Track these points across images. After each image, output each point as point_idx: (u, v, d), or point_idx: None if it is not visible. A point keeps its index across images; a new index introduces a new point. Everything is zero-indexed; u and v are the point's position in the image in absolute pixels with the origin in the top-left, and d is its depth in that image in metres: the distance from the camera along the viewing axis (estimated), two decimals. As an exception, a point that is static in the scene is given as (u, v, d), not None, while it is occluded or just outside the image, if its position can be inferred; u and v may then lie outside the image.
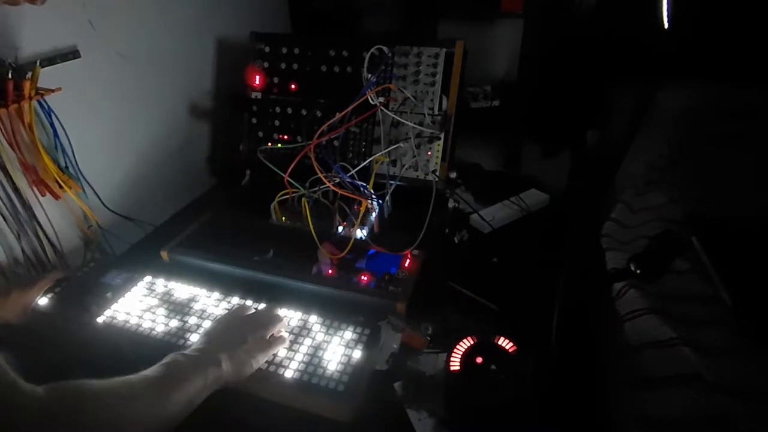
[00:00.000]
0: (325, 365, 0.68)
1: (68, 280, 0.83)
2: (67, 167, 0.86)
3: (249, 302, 0.79)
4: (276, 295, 0.79)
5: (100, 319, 0.77)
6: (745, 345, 0.65)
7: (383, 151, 0.99)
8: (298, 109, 1.07)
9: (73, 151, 0.87)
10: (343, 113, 0.98)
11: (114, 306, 0.79)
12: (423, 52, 1.00)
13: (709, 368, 0.62)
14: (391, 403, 0.65)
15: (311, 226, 0.85)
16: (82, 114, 0.88)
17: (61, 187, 0.84)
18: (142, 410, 0.53)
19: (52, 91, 0.80)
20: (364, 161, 0.99)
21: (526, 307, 0.78)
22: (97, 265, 0.89)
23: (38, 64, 0.77)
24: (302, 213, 0.88)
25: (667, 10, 1.03)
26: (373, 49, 0.99)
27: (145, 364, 0.59)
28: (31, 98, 0.77)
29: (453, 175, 1.06)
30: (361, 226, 0.91)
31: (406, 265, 0.84)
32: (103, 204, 0.95)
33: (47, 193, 0.83)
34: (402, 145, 1.00)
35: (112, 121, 0.96)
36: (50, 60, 0.80)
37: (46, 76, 0.79)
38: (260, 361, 0.67)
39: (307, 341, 0.71)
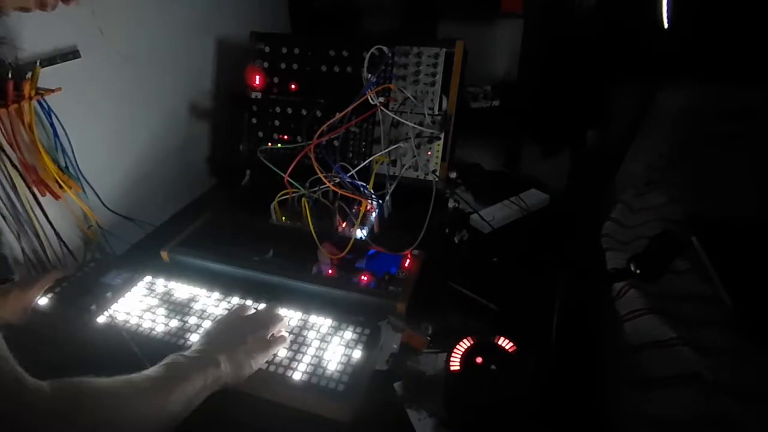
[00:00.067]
0: (325, 365, 0.67)
1: (68, 280, 0.83)
2: (67, 167, 0.86)
3: (249, 302, 0.79)
4: (276, 295, 0.79)
5: (100, 319, 0.77)
6: (745, 345, 0.65)
7: (383, 151, 0.99)
8: (298, 109, 1.07)
9: (73, 151, 0.87)
10: (343, 113, 0.98)
11: (114, 306, 0.79)
12: (423, 52, 1.00)
13: (709, 368, 0.62)
14: (391, 403, 0.65)
15: (311, 226, 0.85)
16: (82, 114, 0.88)
17: (61, 187, 0.84)
18: (142, 409, 0.53)
19: (52, 91, 0.80)
20: (364, 161, 0.99)
21: (526, 307, 0.78)
22: (97, 265, 0.88)
23: (38, 64, 0.77)
24: (302, 213, 0.88)
25: (667, 10, 1.03)
26: (373, 49, 0.99)
27: (146, 363, 0.59)
28: (31, 98, 0.77)
29: (453, 175, 1.06)
30: (361, 226, 0.91)
31: (406, 265, 0.84)
32: (103, 204, 0.95)
33: (47, 193, 0.83)
34: (402, 145, 1.00)
35: (112, 121, 0.97)
36: (50, 60, 0.80)
37: (46, 76, 0.79)
38: (260, 361, 0.67)
39: (307, 341, 0.71)
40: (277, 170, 0.92)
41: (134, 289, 0.83)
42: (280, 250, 0.90)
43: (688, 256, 0.79)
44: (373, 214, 0.93)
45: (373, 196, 0.93)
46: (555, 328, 0.72)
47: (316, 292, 0.80)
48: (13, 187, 0.79)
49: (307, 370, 0.67)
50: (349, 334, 0.72)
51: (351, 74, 1.03)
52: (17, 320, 0.76)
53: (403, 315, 0.75)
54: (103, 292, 0.81)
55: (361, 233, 0.90)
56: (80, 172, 0.89)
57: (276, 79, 1.09)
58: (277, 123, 1.09)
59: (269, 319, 0.71)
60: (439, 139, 0.99)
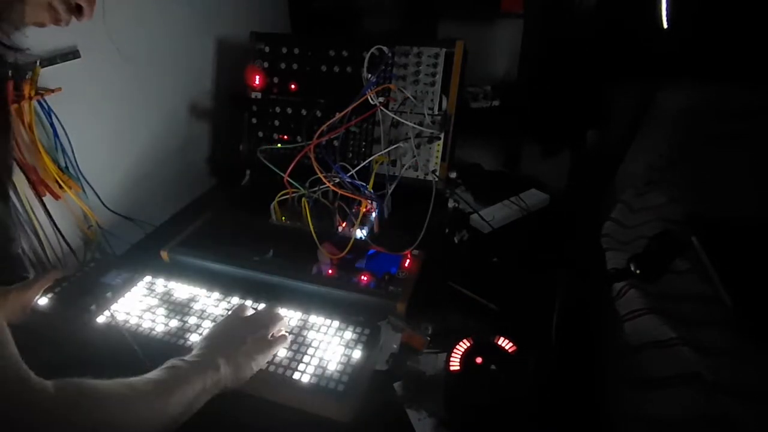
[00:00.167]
0: (324, 365, 0.67)
1: (68, 280, 0.83)
2: (67, 167, 0.86)
3: (249, 302, 0.79)
4: (276, 295, 0.79)
5: (100, 319, 0.77)
6: (745, 345, 0.65)
7: (383, 151, 0.99)
8: (298, 109, 1.07)
9: (73, 151, 0.87)
10: (343, 113, 0.98)
11: (114, 306, 0.79)
12: (423, 52, 1.00)
13: (709, 368, 0.62)
14: (391, 403, 0.65)
15: (311, 226, 0.85)
16: (82, 114, 0.88)
17: (61, 187, 0.84)
18: (142, 412, 0.53)
19: (52, 91, 0.80)
20: (364, 161, 0.99)
21: (526, 307, 0.78)
22: (97, 265, 0.88)
23: (38, 64, 0.77)
24: (302, 213, 0.88)
25: (667, 10, 1.03)
26: (373, 49, 0.99)
27: (147, 363, 0.59)
28: (31, 98, 0.77)
29: (453, 175, 1.06)
30: (361, 226, 0.91)
31: (406, 265, 0.84)
32: (103, 204, 0.95)
33: (47, 193, 0.83)
34: (402, 145, 1.00)
35: (112, 121, 0.97)
36: (50, 60, 0.80)
37: (46, 76, 0.79)
38: (261, 362, 0.67)
39: (307, 341, 0.71)
40: (277, 170, 0.92)
41: (134, 289, 0.83)
42: (280, 250, 0.90)
43: (688, 256, 0.79)
44: (373, 214, 0.93)
45: (373, 196, 0.93)
46: (555, 328, 0.71)
47: (316, 292, 0.80)
48: (14, 187, 0.79)
49: (307, 370, 0.67)
50: (349, 334, 0.72)
51: (351, 74, 1.03)
52: (16, 320, 0.76)
53: (403, 315, 0.75)
54: (103, 292, 0.81)
55: (361, 233, 0.90)
56: (80, 172, 0.89)
57: (276, 79, 1.09)
58: (277, 123, 1.09)
59: (269, 319, 0.71)
60: (439, 139, 0.99)
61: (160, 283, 0.84)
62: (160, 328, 0.75)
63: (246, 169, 1.13)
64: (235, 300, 0.80)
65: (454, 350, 0.62)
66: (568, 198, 1.22)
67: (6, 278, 0.63)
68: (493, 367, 0.60)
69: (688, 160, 1.01)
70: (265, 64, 1.09)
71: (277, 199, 0.94)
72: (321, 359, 0.68)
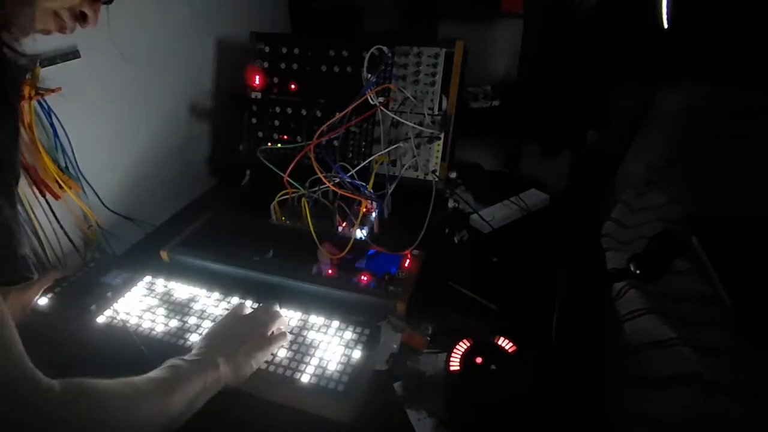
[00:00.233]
0: (324, 365, 0.67)
1: (68, 280, 0.83)
2: (67, 167, 0.86)
3: (249, 302, 0.79)
4: (276, 295, 0.79)
5: (100, 319, 0.77)
6: (745, 345, 0.65)
7: (383, 151, 0.99)
8: (298, 109, 1.07)
9: (73, 151, 0.87)
10: (343, 113, 0.98)
11: (114, 306, 0.79)
12: (423, 52, 1.00)
13: (709, 368, 0.62)
14: (391, 403, 0.65)
15: (311, 226, 0.85)
16: (82, 114, 0.88)
17: (61, 187, 0.84)
18: (143, 411, 0.53)
19: (52, 91, 0.80)
20: (364, 161, 0.99)
21: (526, 307, 0.78)
22: (97, 265, 0.88)
23: (38, 64, 0.77)
24: (302, 213, 0.88)
25: (667, 10, 1.03)
26: (373, 49, 0.99)
27: (150, 362, 0.59)
28: (31, 98, 0.77)
29: (453, 175, 1.06)
30: (361, 226, 0.91)
31: (406, 265, 0.84)
32: (103, 204, 0.95)
33: (47, 193, 0.83)
34: (402, 145, 1.00)
35: (112, 121, 0.96)
36: (50, 60, 0.80)
37: (46, 76, 0.79)
38: (260, 360, 0.67)
39: (307, 341, 0.71)
40: (276, 170, 0.92)
41: (134, 289, 0.83)
42: (280, 250, 0.90)
43: (688, 256, 0.79)
44: (373, 214, 0.93)
45: (373, 196, 0.93)
46: (555, 328, 0.71)
47: (316, 292, 0.80)
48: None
49: (307, 370, 0.67)
50: (349, 334, 0.72)
51: (351, 74, 1.03)
52: (16, 320, 0.74)
53: (403, 315, 0.75)
54: (103, 292, 0.81)
55: (361, 233, 0.90)
56: (80, 172, 0.89)
57: (276, 79, 1.09)
58: (277, 123, 1.09)
59: (268, 317, 0.71)
60: (439, 139, 0.99)
61: (160, 283, 0.84)
62: (160, 328, 0.75)
63: (246, 169, 1.13)
64: (235, 300, 0.80)
65: (454, 350, 0.62)
66: (568, 198, 1.22)
67: (11, 279, 0.63)
68: (493, 367, 0.60)
69: (688, 160, 1.01)
70: (265, 64, 1.09)
71: (277, 199, 0.94)
72: (321, 359, 0.68)
